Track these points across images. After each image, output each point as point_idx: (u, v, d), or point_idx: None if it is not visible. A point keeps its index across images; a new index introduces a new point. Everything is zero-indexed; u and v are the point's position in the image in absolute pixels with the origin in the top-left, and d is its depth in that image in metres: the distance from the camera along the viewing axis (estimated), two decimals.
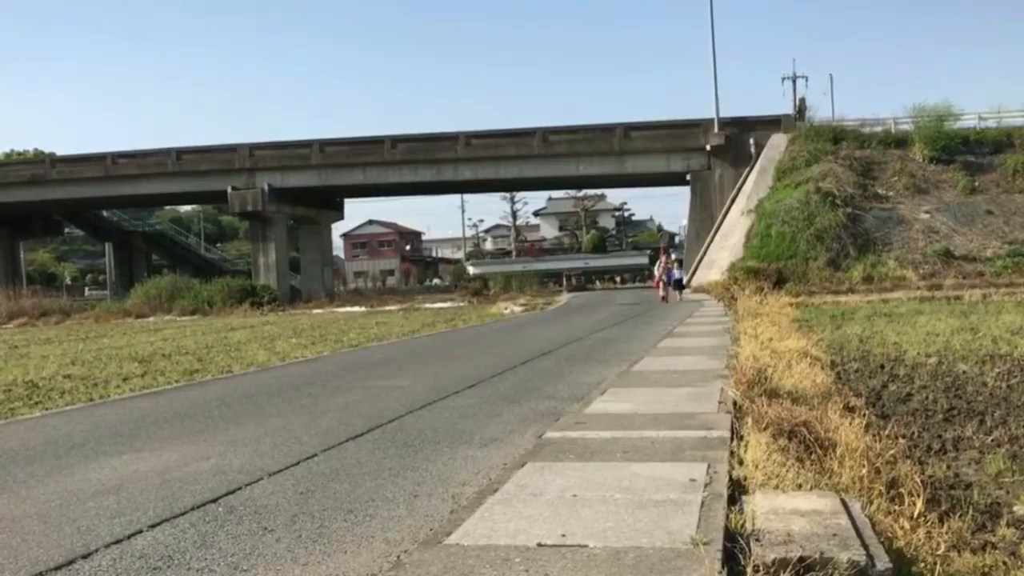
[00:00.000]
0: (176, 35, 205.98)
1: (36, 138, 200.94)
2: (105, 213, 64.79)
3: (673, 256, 37.63)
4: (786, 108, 48.72)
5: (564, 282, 56.08)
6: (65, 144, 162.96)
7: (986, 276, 32.21)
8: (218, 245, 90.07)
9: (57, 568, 3.84)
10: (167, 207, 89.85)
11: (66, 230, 73.00)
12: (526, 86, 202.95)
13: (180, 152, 51.32)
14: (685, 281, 36.72)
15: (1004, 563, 4.06)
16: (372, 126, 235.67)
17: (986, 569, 3.97)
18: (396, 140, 49.41)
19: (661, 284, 33.43)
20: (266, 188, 49.26)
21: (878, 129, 42.33)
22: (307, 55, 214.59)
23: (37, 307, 44.71)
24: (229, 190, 49.53)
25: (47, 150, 77.38)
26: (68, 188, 52.15)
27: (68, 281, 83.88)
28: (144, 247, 68.19)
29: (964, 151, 39.57)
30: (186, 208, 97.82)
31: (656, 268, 35.57)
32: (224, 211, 75.78)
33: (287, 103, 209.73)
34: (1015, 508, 5.10)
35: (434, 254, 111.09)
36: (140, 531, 4.36)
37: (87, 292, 76.45)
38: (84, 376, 13.37)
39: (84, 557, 3.98)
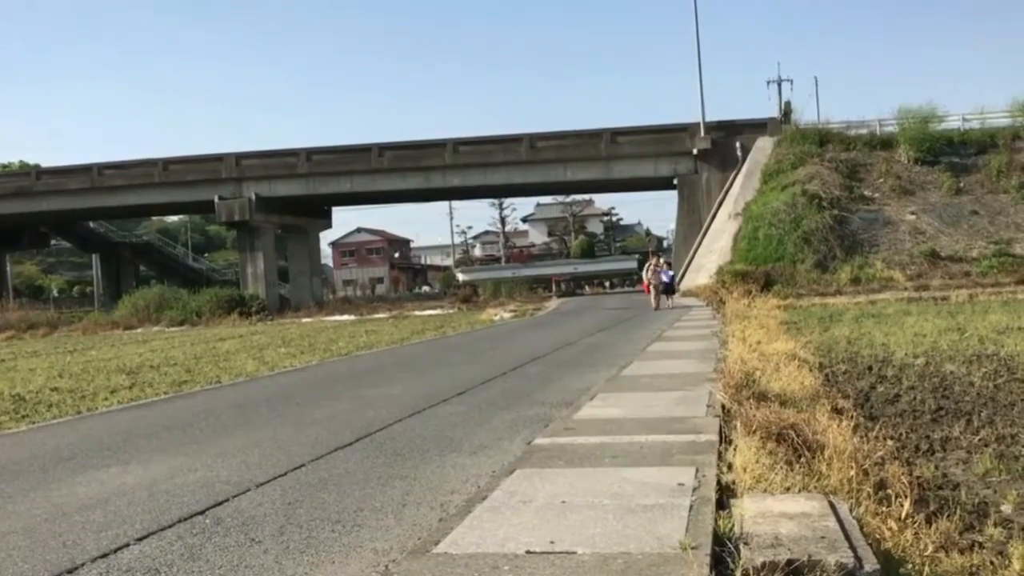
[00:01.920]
0: (163, 44, 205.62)
1: (20, 150, 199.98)
2: (92, 224, 64.55)
3: (662, 259, 36.99)
4: (772, 111, 48.99)
5: (553, 287, 56.04)
6: (50, 156, 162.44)
7: (972, 276, 32.40)
8: (205, 255, 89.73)
9: None
10: (154, 218, 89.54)
11: (53, 242, 72.63)
12: (513, 92, 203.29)
13: (166, 162, 51.16)
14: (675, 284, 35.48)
15: (992, 563, 4.06)
16: (359, 135, 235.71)
17: (974, 569, 3.98)
18: (383, 148, 49.40)
19: (652, 289, 29.92)
20: (253, 197, 49.15)
21: (863, 131, 42.57)
22: (294, 64, 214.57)
23: (24, 320, 44.42)
24: (216, 200, 49.39)
25: (32, 162, 77.23)
26: (54, 200, 51.90)
27: (55, 293, 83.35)
28: (131, 258, 67.92)
29: (949, 152, 39.82)
30: (173, 218, 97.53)
31: (645, 272, 31.90)
32: (211, 221, 75.58)
33: (274, 113, 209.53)
34: (1002, 507, 5.12)
35: (423, 261, 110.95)
36: (127, 544, 4.33)
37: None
38: (71, 389, 13.29)
39: (70, 572, 3.95)
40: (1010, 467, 5.95)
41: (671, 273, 31.63)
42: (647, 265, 31.55)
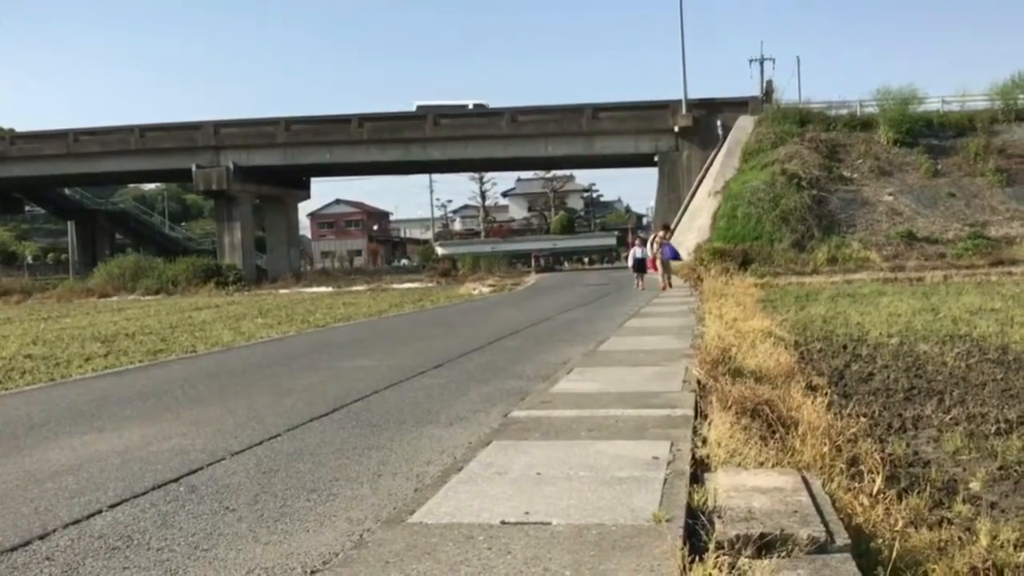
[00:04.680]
0: (143, 12, 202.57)
1: None
2: (67, 191, 63.70)
3: (641, 235, 36.00)
4: (753, 90, 48.92)
5: (533, 263, 56.00)
6: (24, 122, 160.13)
7: (947, 258, 32.64)
8: (182, 224, 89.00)
9: (13, 549, 3.78)
10: (131, 185, 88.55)
11: (27, 208, 71.73)
12: (495, 69, 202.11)
13: (143, 129, 50.56)
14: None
15: (959, 539, 4.12)
16: (337, 106, 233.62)
17: (942, 545, 4.04)
18: (363, 119, 49.03)
19: (660, 266, 24.85)
20: (231, 166, 48.69)
21: (844, 112, 42.56)
22: (277, 35, 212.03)
23: None
24: (194, 168, 48.88)
25: (6, 126, 76.01)
26: (28, 165, 51.18)
27: (29, 260, 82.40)
28: (107, 226, 67.14)
29: (928, 134, 39.94)
30: (150, 186, 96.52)
31: (650, 246, 25.81)
32: (189, 190, 75.04)
33: (253, 84, 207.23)
34: (971, 485, 5.19)
35: (402, 234, 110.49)
36: (99, 511, 4.31)
37: None
38: (45, 356, 13.18)
39: (41, 538, 3.92)
40: (979, 446, 6.03)
41: (645, 250, 26.48)
42: (653, 237, 26.39)
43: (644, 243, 27.54)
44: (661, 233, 26.14)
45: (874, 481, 4.55)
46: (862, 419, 6.54)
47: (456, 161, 52.57)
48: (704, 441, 5.09)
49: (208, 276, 44.88)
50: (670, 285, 24.49)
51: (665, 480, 4.29)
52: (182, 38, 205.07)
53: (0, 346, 15.32)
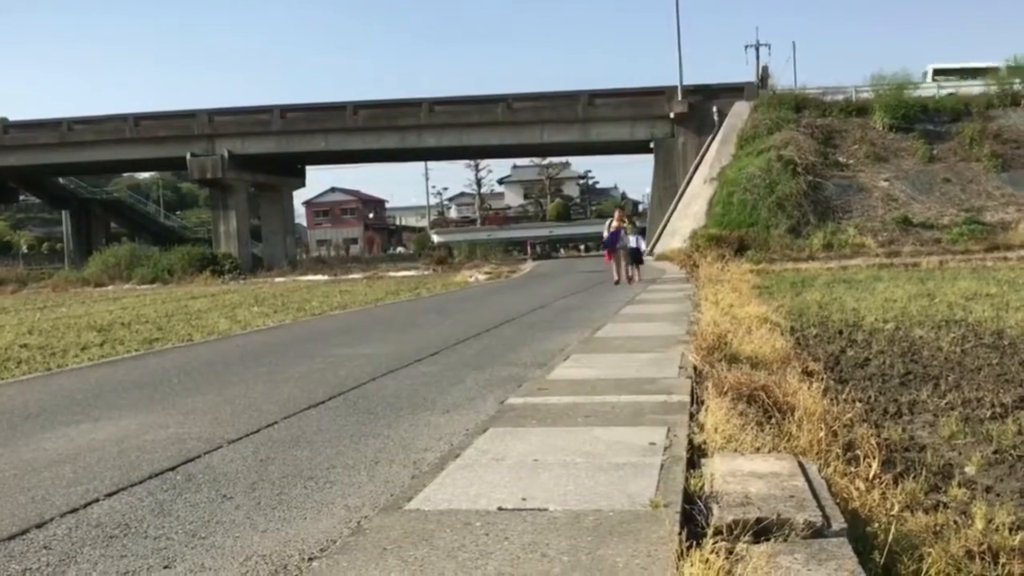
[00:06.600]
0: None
1: None
2: (62, 180, 63.50)
3: (637, 223, 33.58)
4: (749, 76, 48.82)
5: (528, 250, 56.04)
6: (18, 110, 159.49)
7: (943, 243, 32.69)
8: (178, 213, 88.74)
9: (11, 538, 3.78)
10: (125, 174, 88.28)
11: (21, 197, 71.50)
12: (490, 56, 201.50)
13: (138, 118, 50.35)
14: (647, 250, 30.54)
15: (955, 522, 4.14)
16: (333, 94, 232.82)
17: (938, 528, 4.05)
18: (358, 106, 48.86)
19: (614, 257, 22.56)
20: (226, 155, 48.52)
21: (839, 97, 42.46)
22: (268, 22, 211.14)
23: None
24: (188, 157, 48.71)
25: None
26: (22, 154, 50.96)
27: (24, 249, 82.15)
28: (102, 215, 67.00)
29: (923, 120, 39.87)
30: (145, 175, 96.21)
31: (606, 229, 23.04)
32: (183, 178, 74.75)
33: (247, 72, 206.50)
34: (966, 469, 5.20)
35: (398, 222, 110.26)
36: (96, 500, 4.31)
37: None
38: (41, 345, 13.16)
39: (38, 526, 3.92)
40: (975, 430, 6.04)
41: (638, 237, 24.21)
42: (608, 222, 23.43)
43: (642, 232, 25.35)
44: (616, 215, 23.31)
45: (870, 466, 4.57)
46: (858, 404, 6.56)
47: (451, 148, 52.45)
48: (701, 427, 5.10)
49: (204, 265, 44.84)
50: (627, 279, 22.00)
51: (662, 466, 4.30)
52: (180, 22, 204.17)
53: None
